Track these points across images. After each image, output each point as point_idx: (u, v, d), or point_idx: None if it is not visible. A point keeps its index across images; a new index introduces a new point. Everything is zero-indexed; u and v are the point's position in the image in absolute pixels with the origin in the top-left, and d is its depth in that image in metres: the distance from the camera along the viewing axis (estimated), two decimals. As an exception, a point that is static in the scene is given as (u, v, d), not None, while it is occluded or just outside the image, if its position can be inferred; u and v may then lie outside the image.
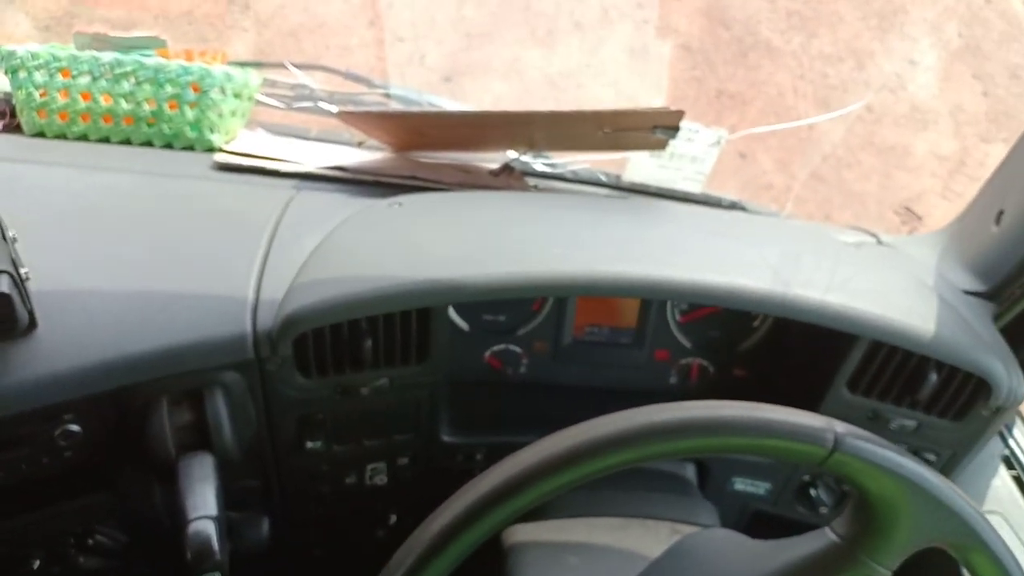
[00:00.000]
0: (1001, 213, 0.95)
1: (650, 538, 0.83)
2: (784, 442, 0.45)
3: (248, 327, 0.75)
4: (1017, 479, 0.99)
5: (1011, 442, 1.02)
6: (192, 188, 0.95)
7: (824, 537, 0.53)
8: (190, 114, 1.05)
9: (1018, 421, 1.04)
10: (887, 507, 0.49)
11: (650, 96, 3.00)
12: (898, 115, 2.81)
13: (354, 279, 0.76)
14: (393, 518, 0.97)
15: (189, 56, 1.11)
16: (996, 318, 0.95)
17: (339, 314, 0.75)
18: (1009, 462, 1.00)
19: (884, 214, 2.58)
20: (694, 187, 1.19)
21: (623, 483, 0.72)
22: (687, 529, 0.86)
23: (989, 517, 0.95)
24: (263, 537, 0.87)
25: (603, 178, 1.22)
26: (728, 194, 1.25)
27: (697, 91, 2.86)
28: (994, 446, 1.01)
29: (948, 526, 0.50)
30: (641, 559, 0.81)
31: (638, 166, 1.17)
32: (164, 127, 1.05)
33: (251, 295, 0.77)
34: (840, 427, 0.46)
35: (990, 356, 0.84)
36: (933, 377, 0.85)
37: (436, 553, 0.48)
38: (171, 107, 1.05)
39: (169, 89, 1.04)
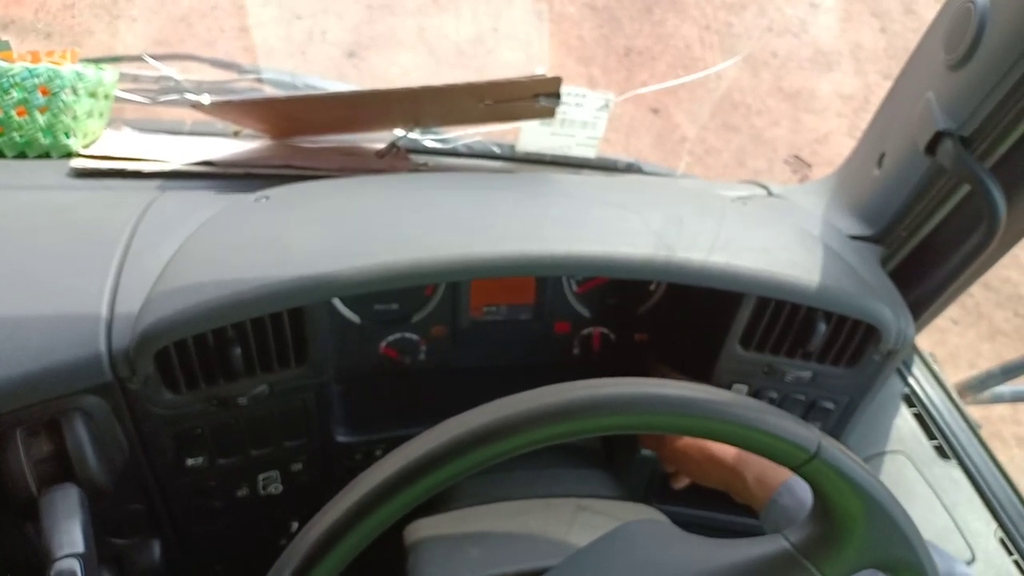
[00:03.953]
0: (883, 156, 0.95)
1: (553, 518, 0.82)
2: (771, 439, 0.46)
3: (103, 347, 0.70)
4: (918, 416, 1.00)
5: (911, 380, 1.03)
6: (44, 199, 0.89)
7: (776, 542, 0.53)
8: (41, 119, 0.97)
9: (916, 359, 1.05)
10: (847, 521, 0.49)
11: (561, 57, 2.96)
12: (802, 59, 2.83)
13: (212, 284, 0.72)
14: (295, 525, 0.94)
15: (36, 58, 1.03)
16: (884, 261, 0.95)
17: (197, 325, 0.70)
18: (909, 400, 1.01)
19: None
20: (588, 152, 1.17)
21: (527, 462, 0.70)
22: (591, 504, 0.85)
23: (892, 456, 0.97)
24: (155, 561, 0.83)
25: (496, 150, 1.18)
26: (640, 152, 1.23)
27: (606, 49, 2.83)
28: (894, 385, 1.02)
29: (897, 553, 0.50)
30: (545, 541, 0.80)
31: (530, 135, 1.14)
32: (14, 136, 0.98)
33: (104, 312, 0.72)
34: (826, 439, 0.47)
35: (876, 301, 0.84)
36: (822, 327, 0.84)
37: (320, 556, 0.45)
38: (19, 114, 0.97)
39: (15, 95, 0.97)
